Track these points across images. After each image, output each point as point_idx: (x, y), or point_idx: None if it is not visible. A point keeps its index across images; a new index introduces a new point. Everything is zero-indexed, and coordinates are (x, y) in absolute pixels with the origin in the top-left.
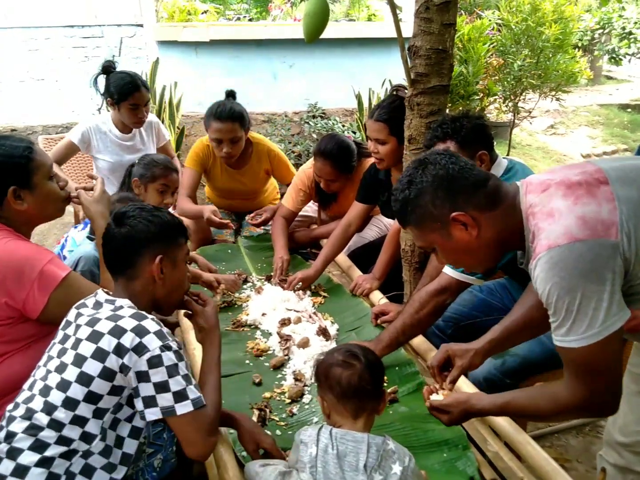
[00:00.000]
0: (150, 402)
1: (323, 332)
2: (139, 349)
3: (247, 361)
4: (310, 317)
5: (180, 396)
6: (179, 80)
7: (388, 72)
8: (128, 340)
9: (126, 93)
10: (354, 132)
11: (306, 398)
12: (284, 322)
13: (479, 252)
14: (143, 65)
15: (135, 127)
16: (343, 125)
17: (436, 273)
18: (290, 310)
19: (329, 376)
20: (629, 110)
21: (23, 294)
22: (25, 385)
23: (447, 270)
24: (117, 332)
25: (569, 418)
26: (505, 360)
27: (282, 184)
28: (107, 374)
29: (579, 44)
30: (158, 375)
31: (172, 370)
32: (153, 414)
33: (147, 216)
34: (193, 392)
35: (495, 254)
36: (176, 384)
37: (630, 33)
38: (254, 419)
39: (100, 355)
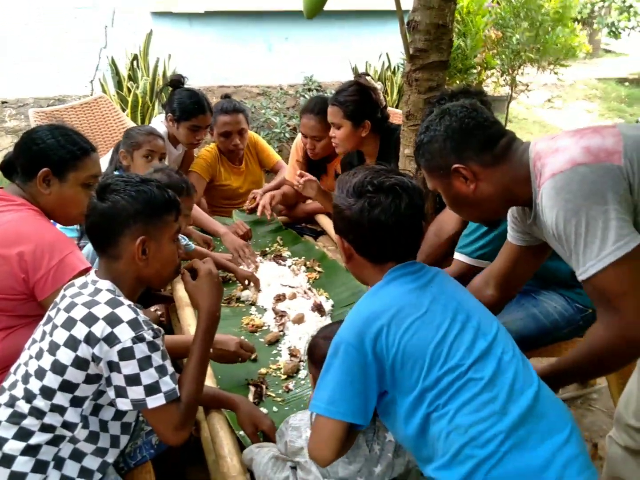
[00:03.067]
0: (121, 392)
1: (318, 308)
2: (110, 340)
3: (242, 337)
4: (305, 292)
5: (152, 389)
6: (173, 52)
7: (385, 45)
8: (99, 329)
9: (190, 113)
10: None
11: (302, 374)
12: (279, 298)
13: (477, 204)
14: (136, 37)
15: (189, 148)
16: None
17: (431, 250)
18: (285, 286)
19: (315, 352)
20: (627, 84)
21: (37, 276)
22: (12, 368)
23: (460, 257)
24: (89, 320)
25: (617, 359)
26: None
27: (269, 167)
28: (80, 363)
29: (578, 17)
30: (129, 367)
31: (144, 364)
32: (124, 405)
33: (131, 191)
34: (166, 385)
35: (496, 208)
36: (148, 377)
37: (631, 6)
38: (250, 395)
39: (72, 343)
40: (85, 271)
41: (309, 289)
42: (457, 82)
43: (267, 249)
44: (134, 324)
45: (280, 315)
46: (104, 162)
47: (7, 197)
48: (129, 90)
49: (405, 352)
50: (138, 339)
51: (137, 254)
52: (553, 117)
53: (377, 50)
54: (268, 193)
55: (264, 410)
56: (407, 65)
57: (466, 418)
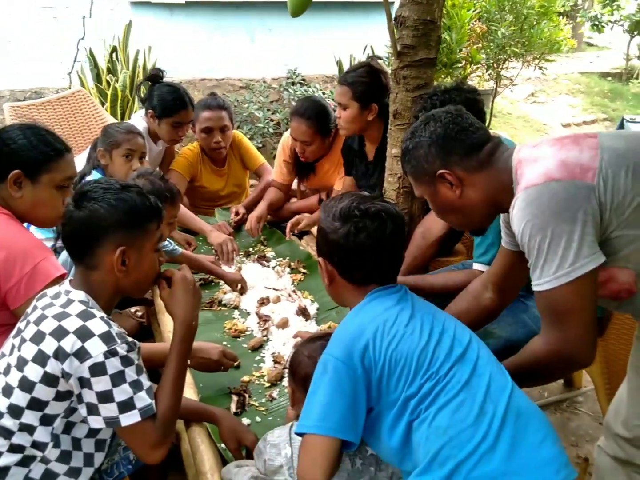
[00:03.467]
0: (93, 409)
1: (303, 312)
2: (81, 355)
3: (225, 342)
4: (289, 295)
5: (125, 406)
6: (153, 44)
7: (370, 37)
8: (69, 344)
9: (171, 109)
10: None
11: (286, 381)
12: (263, 302)
13: (463, 210)
14: (115, 27)
15: (172, 144)
16: (323, 93)
17: (419, 252)
18: (269, 288)
19: (298, 370)
20: (609, 78)
21: (9, 284)
22: None
23: (480, 266)
24: (59, 333)
25: (552, 372)
26: (489, 343)
27: (252, 169)
28: (49, 380)
29: (562, 10)
30: (101, 384)
31: (117, 379)
32: (96, 423)
33: (110, 199)
34: (141, 401)
35: (483, 214)
36: (121, 393)
37: (614, 0)
38: (233, 405)
39: (40, 359)
40: (60, 278)
41: (294, 291)
42: (443, 76)
43: (251, 249)
44: (106, 337)
45: (264, 319)
46: (82, 160)
47: None
48: (108, 84)
49: (391, 361)
50: (110, 353)
51: (116, 264)
52: (536, 112)
53: (361, 43)
54: (255, 215)
55: (246, 420)
56: (395, 62)
57: (445, 419)
